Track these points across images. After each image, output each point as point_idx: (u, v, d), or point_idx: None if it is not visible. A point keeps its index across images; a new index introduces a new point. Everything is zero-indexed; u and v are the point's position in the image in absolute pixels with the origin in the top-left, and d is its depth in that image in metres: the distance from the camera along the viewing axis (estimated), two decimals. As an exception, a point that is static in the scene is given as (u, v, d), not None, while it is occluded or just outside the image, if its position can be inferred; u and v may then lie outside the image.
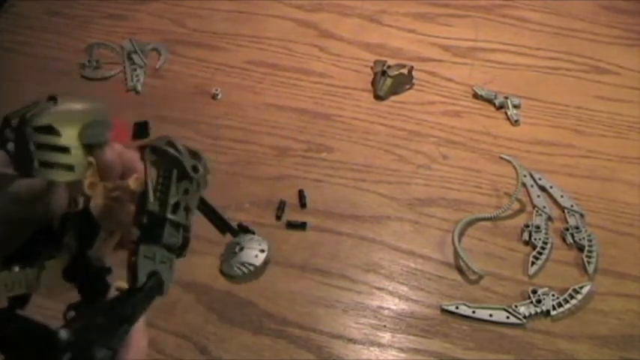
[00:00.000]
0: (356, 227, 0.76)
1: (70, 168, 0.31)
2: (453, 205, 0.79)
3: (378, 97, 0.92)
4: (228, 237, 0.75)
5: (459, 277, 0.72)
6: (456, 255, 0.73)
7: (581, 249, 0.73)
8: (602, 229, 0.75)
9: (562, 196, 0.78)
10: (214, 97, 0.92)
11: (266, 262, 0.72)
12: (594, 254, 0.72)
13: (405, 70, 0.93)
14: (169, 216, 0.32)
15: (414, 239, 0.75)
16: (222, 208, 0.79)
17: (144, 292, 0.31)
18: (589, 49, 0.98)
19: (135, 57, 0.97)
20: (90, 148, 0.33)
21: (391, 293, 0.71)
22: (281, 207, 0.77)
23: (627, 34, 1.01)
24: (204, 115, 0.89)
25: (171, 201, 0.32)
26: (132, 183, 0.33)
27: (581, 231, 0.74)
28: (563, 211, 0.77)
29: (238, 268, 0.71)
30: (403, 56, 0.98)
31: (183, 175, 0.32)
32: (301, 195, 0.79)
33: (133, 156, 0.35)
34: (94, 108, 0.33)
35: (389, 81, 0.91)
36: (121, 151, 0.35)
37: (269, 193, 0.79)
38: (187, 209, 0.33)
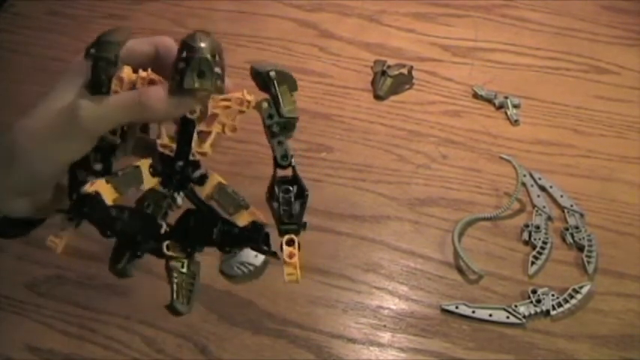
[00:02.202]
0: (356, 227, 0.76)
1: (217, 87, 0.43)
2: (452, 204, 0.79)
3: (377, 97, 0.92)
4: (228, 237, 0.76)
5: (458, 277, 0.72)
6: (456, 255, 0.73)
7: (581, 249, 0.73)
8: (602, 229, 0.75)
9: (562, 196, 0.78)
10: (214, 97, 0.92)
11: (266, 262, 0.72)
12: (594, 254, 0.72)
13: (404, 70, 0.93)
14: (298, 115, 0.44)
15: (413, 239, 0.75)
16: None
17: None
18: (589, 49, 0.98)
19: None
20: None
21: (391, 293, 0.71)
22: (281, 207, 0.77)
23: (627, 34, 1.01)
24: (204, 115, 0.89)
25: (296, 105, 0.44)
26: (246, 96, 0.44)
27: (581, 231, 0.74)
28: (563, 211, 0.77)
29: (238, 268, 0.71)
30: (403, 56, 0.98)
31: (293, 87, 0.45)
32: (301, 195, 0.79)
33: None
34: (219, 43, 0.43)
35: (389, 81, 0.92)
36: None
37: (269, 193, 0.79)
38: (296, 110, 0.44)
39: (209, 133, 0.45)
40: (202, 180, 0.46)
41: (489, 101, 0.91)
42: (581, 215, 0.76)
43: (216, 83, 0.42)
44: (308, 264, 0.73)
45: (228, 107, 0.45)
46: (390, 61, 0.94)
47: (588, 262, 0.71)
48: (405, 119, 0.89)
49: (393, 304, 0.70)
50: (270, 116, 0.46)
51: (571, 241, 0.74)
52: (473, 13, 1.05)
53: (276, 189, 0.47)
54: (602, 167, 0.82)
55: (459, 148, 0.85)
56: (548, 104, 0.90)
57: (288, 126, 0.45)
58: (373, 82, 0.93)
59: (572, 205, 0.77)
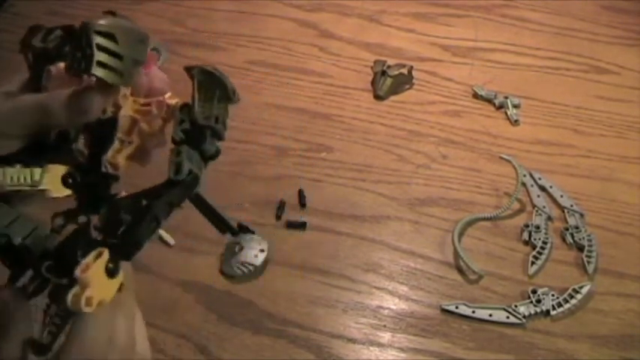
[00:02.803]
0: (356, 227, 0.76)
1: (120, 74, 0.34)
2: (452, 204, 0.79)
3: (377, 97, 0.92)
4: (228, 237, 0.76)
5: (458, 277, 0.72)
6: (456, 255, 0.73)
7: (580, 249, 0.73)
8: (602, 229, 0.75)
9: (562, 196, 0.78)
10: (214, 97, 0.92)
11: (266, 262, 0.72)
12: (594, 254, 0.72)
13: (404, 70, 0.93)
14: (213, 124, 0.37)
15: (413, 239, 0.75)
16: (222, 208, 0.79)
17: (185, 184, 0.37)
18: (589, 49, 0.98)
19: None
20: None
21: (391, 293, 0.71)
22: (281, 207, 0.77)
23: (627, 34, 1.01)
24: (204, 115, 0.89)
25: (214, 113, 0.37)
26: (169, 100, 0.38)
27: (580, 231, 0.74)
28: (563, 211, 0.77)
29: (238, 267, 0.71)
30: (403, 56, 0.98)
31: (224, 96, 0.37)
32: (301, 195, 0.79)
33: (160, 78, 0.40)
34: (143, 31, 0.36)
35: (389, 81, 0.92)
36: (149, 74, 0.40)
37: (269, 192, 0.79)
38: (224, 124, 0.38)
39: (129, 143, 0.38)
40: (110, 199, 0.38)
41: (489, 101, 0.91)
42: (581, 215, 0.76)
43: (117, 72, 0.34)
44: (308, 264, 0.73)
45: (148, 112, 0.38)
46: (390, 61, 0.94)
47: (588, 262, 0.71)
48: (405, 119, 0.89)
49: (393, 304, 0.70)
50: (181, 122, 0.37)
51: (571, 241, 0.74)
52: (473, 13, 1.05)
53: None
54: (602, 167, 0.82)
55: (459, 148, 0.85)
56: (548, 104, 0.91)
57: (195, 136, 0.37)
58: (373, 82, 0.93)
59: (572, 205, 0.77)
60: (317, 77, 0.95)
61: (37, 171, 0.35)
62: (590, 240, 0.73)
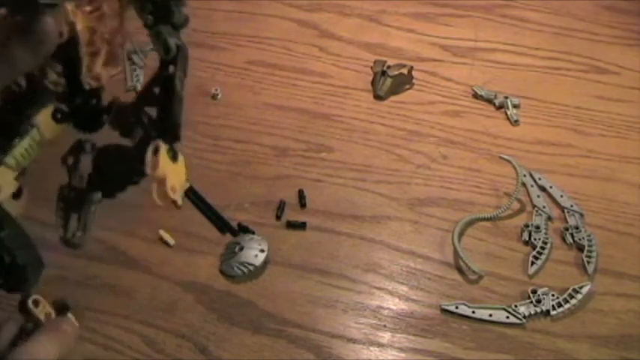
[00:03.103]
0: (356, 227, 0.76)
1: None
2: (452, 205, 0.79)
3: (377, 97, 0.92)
4: (228, 237, 0.76)
5: (458, 277, 0.72)
6: (456, 255, 0.73)
7: (580, 249, 0.73)
8: (602, 229, 0.75)
9: (562, 196, 0.78)
10: (214, 97, 0.92)
11: (266, 262, 0.72)
12: (594, 254, 0.72)
13: (404, 70, 0.93)
14: None
15: (413, 239, 0.75)
16: (222, 208, 0.79)
17: (180, 57, 0.36)
18: (589, 49, 0.98)
19: (135, 57, 0.97)
20: None
21: (391, 293, 0.71)
22: (281, 207, 0.77)
23: (627, 34, 1.01)
24: (204, 115, 0.89)
25: None
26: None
27: (580, 231, 0.74)
28: (563, 211, 0.77)
29: (238, 268, 0.71)
30: (403, 56, 0.98)
31: None
32: (301, 195, 0.79)
33: None
34: None
35: (389, 81, 0.92)
36: None
37: (269, 193, 0.79)
38: None
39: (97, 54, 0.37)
40: (110, 109, 0.39)
41: (489, 101, 0.91)
42: (581, 215, 0.76)
43: None
44: (308, 264, 0.73)
45: (101, 15, 0.37)
46: (390, 61, 0.94)
47: (588, 262, 0.71)
48: (405, 119, 0.89)
49: (393, 304, 0.70)
50: (143, 5, 0.36)
51: (571, 241, 0.74)
52: (473, 13, 1.05)
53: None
54: (602, 167, 0.82)
55: (458, 148, 0.85)
56: (548, 104, 0.91)
57: (163, 12, 0.36)
58: (373, 82, 0.93)
59: (572, 205, 0.77)
60: (317, 77, 0.95)
61: (34, 133, 0.36)
62: (590, 240, 0.73)
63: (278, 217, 0.77)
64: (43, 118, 0.37)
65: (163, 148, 0.35)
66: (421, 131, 0.87)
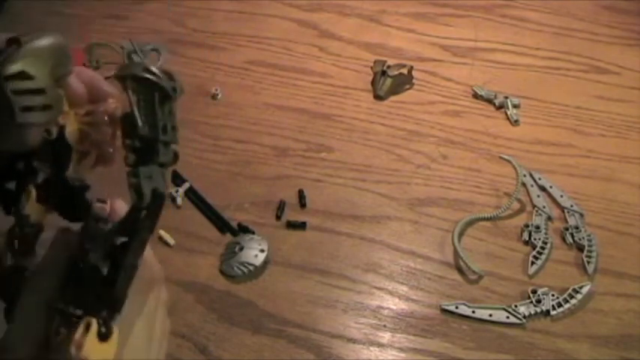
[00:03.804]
0: (356, 227, 0.76)
1: (48, 107, 0.32)
2: (452, 205, 0.79)
3: (378, 97, 0.92)
4: (228, 237, 0.76)
5: (458, 277, 0.72)
6: (456, 255, 0.73)
7: (580, 249, 0.73)
8: (602, 229, 0.75)
9: (562, 196, 0.78)
10: (214, 97, 0.92)
11: (266, 262, 0.72)
12: (594, 254, 0.72)
13: (404, 70, 0.93)
14: (161, 137, 0.34)
15: (413, 239, 0.75)
16: (222, 208, 0.79)
17: (152, 209, 0.34)
18: (589, 49, 0.98)
19: (135, 57, 0.97)
20: (58, 80, 0.34)
21: (391, 293, 0.71)
22: (281, 207, 0.77)
23: (627, 34, 1.01)
24: (204, 115, 0.89)
25: (160, 124, 0.33)
26: (109, 107, 0.36)
27: (580, 231, 0.74)
28: (563, 211, 0.77)
29: (238, 268, 0.71)
30: (403, 56, 0.98)
31: (164, 98, 0.34)
32: (301, 195, 0.79)
33: (97, 81, 0.38)
34: (56, 41, 0.33)
35: (389, 81, 0.92)
36: (86, 78, 0.37)
37: (269, 193, 0.79)
38: (174, 128, 0.35)
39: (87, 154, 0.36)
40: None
41: (489, 101, 0.91)
42: (581, 215, 0.76)
43: (45, 107, 0.32)
44: (308, 264, 0.73)
45: (93, 123, 0.36)
46: (390, 61, 0.94)
47: (588, 262, 0.71)
48: (405, 119, 0.89)
49: (393, 304, 0.70)
50: (128, 135, 0.34)
51: (571, 241, 0.74)
52: (473, 13, 1.05)
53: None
54: (602, 167, 0.82)
55: (458, 148, 0.85)
56: (548, 104, 0.91)
57: (147, 153, 0.34)
58: (373, 82, 0.93)
59: (572, 205, 0.77)
60: (317, 77, 0.95)
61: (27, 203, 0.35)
62: (590, 240, 0.73)
63: (278, 217, 0.77)
64: (31, 205, 0.36)
65: (94, 327, 0.31)
66: (421, 131, 0.87)
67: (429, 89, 0.93)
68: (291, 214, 0.77)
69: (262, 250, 0.72)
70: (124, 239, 0.33)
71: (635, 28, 1.02)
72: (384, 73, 0.92)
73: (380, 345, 0.66)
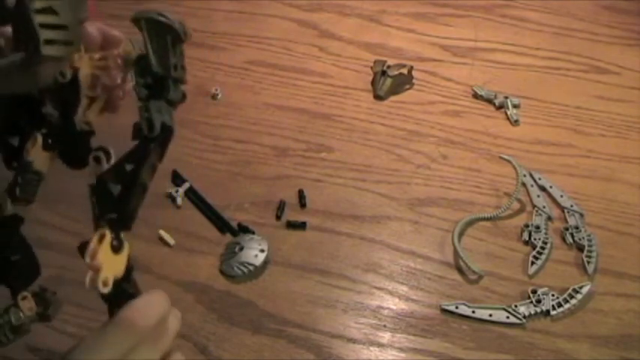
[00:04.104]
0: (356, 227, 0.76)
1: (69, 43, 0.35)
2: (452, 205, 0.79)
3: (377, 97, 0.92)
4: (228, 237, 0.76)
5: (458, 277, 0.72)
6: (456, 255, 0.73)
7: (581, 249, 0.73)
8: (602, 229, 0.75)
9: (562, 196, 0.78)
10: (214, 97, 0.92)
11: (266, 262, 0.72)
12: (594, 254, 0.72)
13: (404, 70, 0.93)
14: (172, 74, 0.36)
15: (413, 239, 0.75)
16: (222, 208, 0.79)
17: (161, 138, 0.36)
18: (589, 49, 0.98)
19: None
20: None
21: (391, 293, 0.71)
22: (281, 207, 0.77)
23: (627, 34, 1.01)
24: (204, 115, 0.89)
25: (171, 63, 0.36)
26: (122, 50, 0.38)
27: (580, 231, 0.74)
28: (563, 211, 0.77)
29: (238, 268, 0.71)
30: (403, 56, 0.98)
31: (176, 40, 0.37)
32: (301, 195, 0.79)
33: (109, 29, 0.41)
34: None
35: (389, 81, 0.92)
36: (99, 26, 0.40)
37: (269, 193, 0.79)
38: (183, 67, 0.38)
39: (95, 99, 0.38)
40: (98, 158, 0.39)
41: (489, 101, 0.91)
42: (581, 215, 0.76)
43: (66, 42, 0.35)
44: (308, 264, 0.73)
45: (106, 67, 0.38)
46: (390, 61, 0.94)
47: (588, 262, 0.71)
48: (405, 119, 0.89)
49: (393, 304, 0.70)
50: (141, 75, 0.37)
51: (571, 241, 0.74)
52: (473, 13, 1.05)
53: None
54: (602, 167, 0.82)
55: (458, 148, 0.85)
56: (548, 104, 0.91)
57: (158, 89, 0.37)
58: (373, 82, 0.93)
59: (572, 205, 0.77)
60: (317, 77, 0.95)
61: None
62: (590, 240, 0.73)
63: (278, 217, 0.77)
64: (35, 151, 0.38)
65: (108, 238, 0.34)
66: (421, 131, 0.87)
67: (429, 89, 0.93)
68: (291, 214, 0.77)
69: (262, 250, 0.72)
70: (132, 166, 0.35)
71: (635, 28, 1.02)
72: (384, 73, 0.92)
73: (380, 345, 0.66)
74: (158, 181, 0.80)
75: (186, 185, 0.79)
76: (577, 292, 0.69)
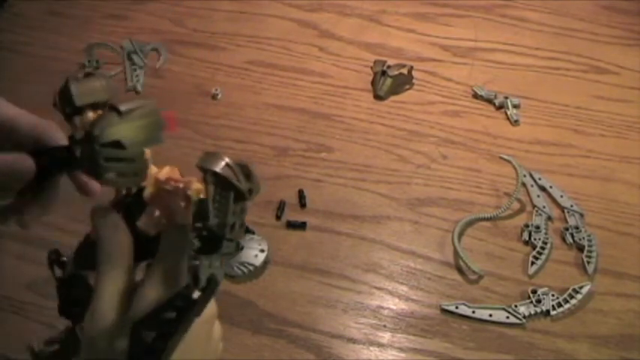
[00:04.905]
0: (356, 227, 0.76)
1: (136, 174, 0.34)
2: (452, 205, 0.79)
3: (377, 97, 0.92)
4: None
5: (458, 277, 0.72)
6: (456, 255, 0.73)
7: (580, 249, 0.73)
8: (602, 229, 0.75)
9: (562, 196, 0.78)
10: (214, 97, 0.92)
11: (266, 262, 0.72)
12: (594, 254, 0.72)
13: (404, 70, 0.93)
14: (228, 235, 0.35)
15: (413, 239, 0.75)
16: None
17: (205, 294, 0.35)
18: (588, 49, 0.98)
19: (135, 57, 0.97)
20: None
21: (391, 293, 0.71)
22: (281, 207, 0.77)
23: (627, 34, 1.01)
24: (204, 115, 0.89)
25: (230, 222, 0.35)
26: (191, 188, 0.36)
27: (580, 231, 0.74)
28: (563, 211, 0.77)
29: (238, 268, 0.71)
30: (403, 56, 0.98)
31: (239, 197, 0.35)
32: (301, 195, 0.79)
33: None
34: (151, 112, 0.34)
35: (389, 81, 0.91)
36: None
37: (269, 193, 0.79)
38: (241, 225, 0.36)
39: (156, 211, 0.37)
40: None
41: (489, 101, 0.91)
42: (581, 215, 0.76)
43: (130, 174, 0.34)
44: (308, 264, 0.73)
45: (170, 192, 0.37)
46: (390, 61, 0.94)
47: (588, 262, 0.71)
48: (405, 119, 0.89)
49: (393, 304, 0.70)
50: (198, 221, 0.35)
51: (571, 241, 0.74)
52: (473, 13, 1.05)
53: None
54: (602, 167, 0.82)
55: (458, 148, 0.85)
56: (548, 104, 0.91)
57: (212, 245, 0.35)
58: (373, 82, 0.93)
59: (572, 205, 0.77)
60: (317, 77, 0.95)
61: None
62: (590, 240, 0.73)
63: (278, 217, 0.77)
64: None
65: None
66: (421, 131, 0.87)
67: (428, 89, 0.93)
68: (291, 214, 0.77)
69: (262, 250, 0.72)
70: (172, 315, 0.34)
71: (635, 28, 1.02)
72: (384, 73, 0.92)
73: (380, 345, 0.66)
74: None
75: None
76: (577, 292, 0.69)
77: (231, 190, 0.35)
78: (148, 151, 0.35)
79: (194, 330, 0.35)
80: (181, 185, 0.36)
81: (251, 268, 0.71)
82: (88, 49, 0.99)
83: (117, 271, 0.35)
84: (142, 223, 0.36)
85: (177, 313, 0.34)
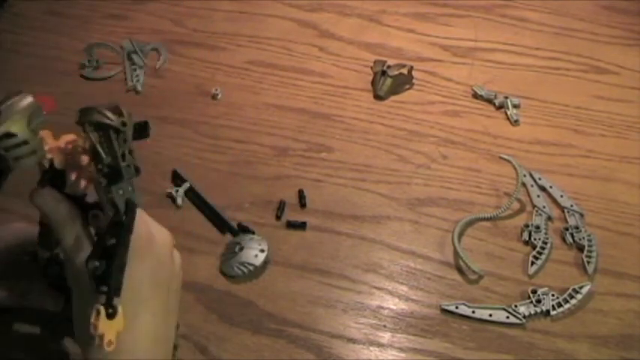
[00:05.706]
0: (356, 227, 0.76)
1: (34, 152, 0.40)
2: (452, 205, 0.79)
3: (377, 97, 0.92)
4: (228, 237, 0.76)
5: (458, 277, 0.72)
6: (456, 255, 0.73)
7: (580, 249, 0.73)
8: (602, 229, 0.75)
9: (562, 196, 0.78)
10: (214, 97, 0.92)
11: (266, 262, 0.72)
12: (594, 254, 0.72)
13: (404, 70, 0.93)
14: (122, 164, 0.42)
15: (413, 239, 0.75)
16: (222, 208, 0.79)
17: (129, 214, 0.43)
18: (589, 49, 0.98)
19: (135, 57, 0.97)
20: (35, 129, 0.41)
21: (391, 293, 0.71)
22: (281, 207, 0.77)
23: (627, 34, 1.01)
24: (204, 115, 0.89)
25: (119, 153, 0.42)
26: (82, 142, 0.43)
27: (580, 231, 0.74)
28: (563, 211, 0.77)
29: (238, 268, 0.71)
30: (403, 56, 0.98)
31: (117, 132, 0.42)
32: (301, 195, 0.79)
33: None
34: (26, 100, 0.40)
35: (389, 81, 0.92)
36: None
37: (269, 193, 0.79)
38: (130, 152, 0.43)
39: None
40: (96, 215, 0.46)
41: (489, 101, 0.91)
42: (581, 215, 0.76)
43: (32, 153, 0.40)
44: (308, 264, 0.73)
45: (71, 152, 0.44)
46: (390, 61, 0.94)
47: (588, 262, 0.71)
48: (405, 119, 0.89)
49: (393, 304, 0.70)
50: (97, 163, 0.42)
51: (571, 241, 0.74)
52: (473, 13, 1.05)
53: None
54: (602, 167, 0.82)
55: (458, 148, 0.85)
56: (548, 104, 0.91)
57: (113, 176, 0.42)
58: (373, 82, 0.93)
59: (572, 205, 0.77)
60: (317, 77, 0.95)
61: None
62: (590, 240, 0.73)
63: (278, 217, 0.77)
64: None
65: (103, 311, 0.40)
66: (421, 131, 0.87)
67: (428, 89, 0.93)
68: (291, 214, 0.77)
69: (262, 250, 0.72)
70: (113, 241, 0.42)
71: (635, 28, 1.02)
72: (384, 73, 0.92)
73: (380, 345, 0.66)
74: (158, 181, 0.81)
75: (186, 185, 0.79)
76: (577, 292, 0.69)
77: (108, 129, 0.41)
78: (44, 131, 0.42)
79: (159, 254, 0.47)
80: (72, 143, 0.43)
81: (251, 268, 0.71)
82: (88, 49, 0.99)
83: (72, 223, 0.44)
84: (68, 188, 0.44)
85: (116, 237, 0.41)
